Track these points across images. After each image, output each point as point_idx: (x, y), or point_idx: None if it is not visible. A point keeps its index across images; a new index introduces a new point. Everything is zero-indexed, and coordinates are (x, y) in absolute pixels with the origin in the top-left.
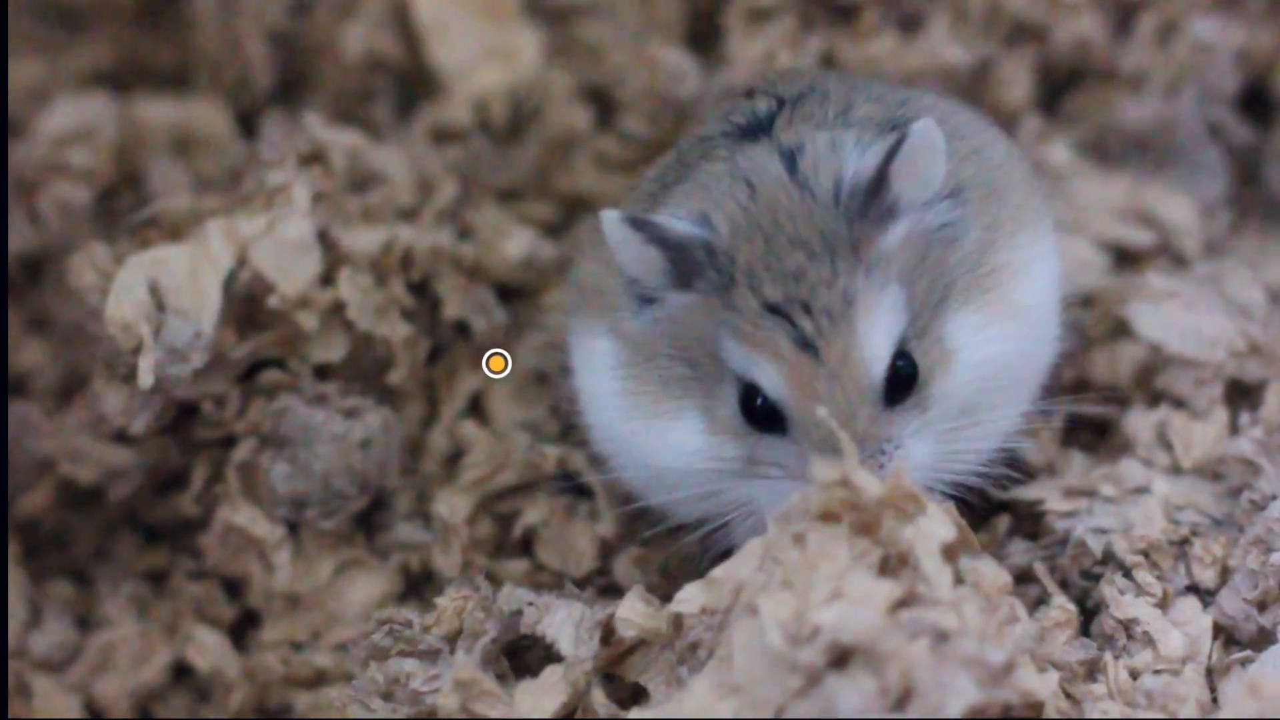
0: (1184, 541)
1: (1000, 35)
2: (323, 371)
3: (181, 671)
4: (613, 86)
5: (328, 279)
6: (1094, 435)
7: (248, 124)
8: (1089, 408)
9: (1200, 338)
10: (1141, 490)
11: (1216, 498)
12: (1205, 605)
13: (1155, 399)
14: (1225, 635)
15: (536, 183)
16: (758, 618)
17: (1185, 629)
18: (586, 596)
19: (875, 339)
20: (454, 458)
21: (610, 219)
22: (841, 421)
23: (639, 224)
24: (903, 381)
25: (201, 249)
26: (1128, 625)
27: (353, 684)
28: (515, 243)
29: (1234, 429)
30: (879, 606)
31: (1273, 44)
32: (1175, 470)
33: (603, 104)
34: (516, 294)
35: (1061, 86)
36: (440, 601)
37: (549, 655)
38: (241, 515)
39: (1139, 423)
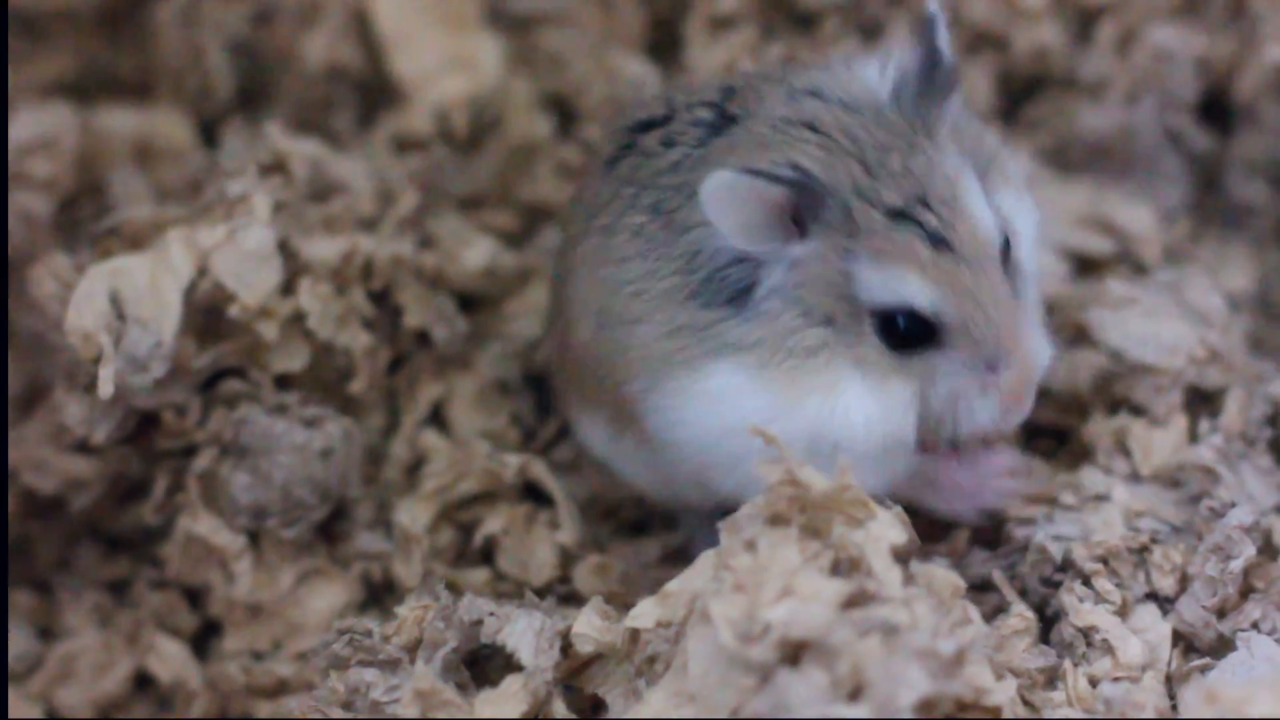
0: (1143, 549)
1: (960, 43)
2: (283, 381)
3: (143, 681)
4: (574, 95)
5: (288, 288)
6: (1054, 443)
7: (209, 133)
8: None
9: (1160, 345)
10: (1101, 498)
11: (1176, 505)
12: (1164, 613)
13: (1115, 406)
14: (1185, 643)
15: (498, 191)
16: (710, 623)
17: (1144, 636)
18: (547, 606)
19: (986, 216)
20: (415, 467)
21: (725, 176)
22: (992, 312)
23: (758, 172)
24: (1004, 256)
25: (162, 259)
26: (1087, 633)
27: (313, 693)
28: (476, 252)
29: (1194, 436)
30: (829, 602)
31: (1232, 51)
32: (1135, 478)
33: (564, 113)
34: (477, 303)
35: (1021, 95)
36: (400, 611)
37: (509, 665)
38: (202, 525)
39: (1098, 430)
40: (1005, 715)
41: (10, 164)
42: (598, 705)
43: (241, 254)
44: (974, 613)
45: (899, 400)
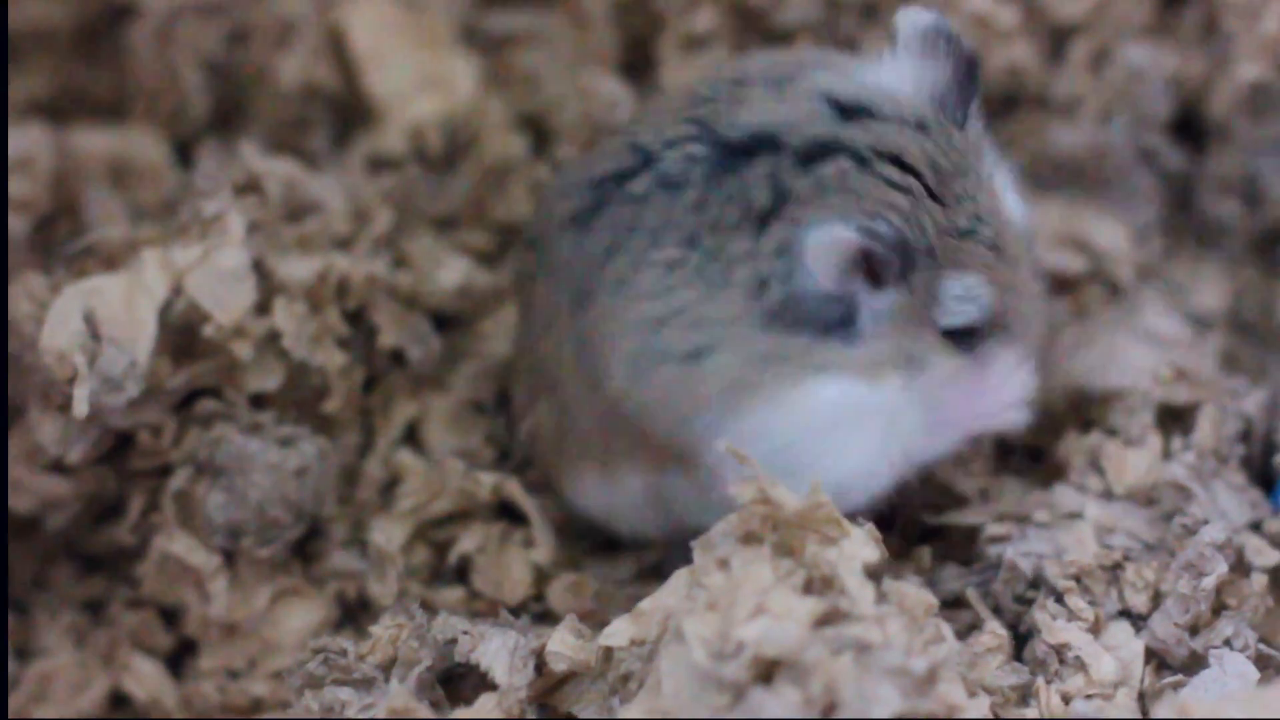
0: (1116, 566)
1: None
2: (258, 400)
3: (119, 700)
4: (548, 115)
5: (263, 308)
6: (1027, 461)
7: (185, 153)
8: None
9: (1123, 368)
10: (1074, 515)
11: (1149, 522)
12: (1137, 630)
13: (1088, 425)
14: (1157, 660)
15: (472, 211)
16: (684, 641)
17: (1117, 653)
18: (521, 624)
19: (1018, 217)
20: (390, 486)
21: (835, 233)
22: (1032, 305)
23: (868, 231)
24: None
25: (137, 279)
26: (1060, 650)
27: (288, 712)
28: (450, 271)
29: (1167, 453)
30: (802, 621)
31: (1204, 70)
32: (1108, 495)
33: (538, 132)
34: (452, 322)
35: (994, 113)
36: (375, 630)
37: (484, 683)
38: (178, 544)
39: (1072, 448)
40: None
41: None
42: None
43: (216, 274)
44: (946, 630)
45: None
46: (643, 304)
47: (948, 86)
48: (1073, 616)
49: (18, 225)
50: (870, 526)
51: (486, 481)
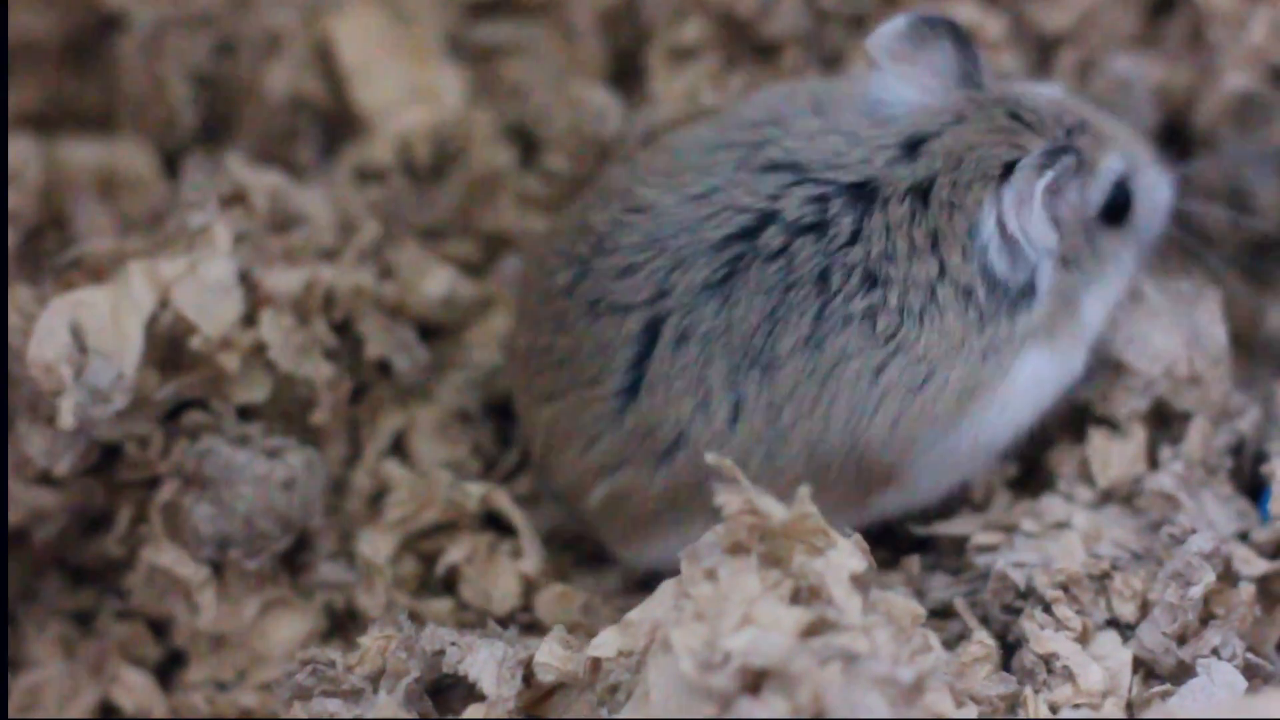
0: (1104, 576)
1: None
2: (246, 412)
3: (108, 711)
4: (536, 125)
5: (250, 320)
6: (1019, 471)
7: (172, 165)
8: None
9: (1143, 349)
10: (1062, 525)
11: (1136, 532)
12: (1125, 639)
13: (1078, 428)
14: (1145, 669)
15: (459, 221)
16: (671, 651)
17: (1105, 663)
18: (509, 635)
19: None
20: (377, 497)
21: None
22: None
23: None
24: None
25: (123, 291)
26: (1048, 659)
27: None
28: (436, 281)
29: (1154, 463)
30: (789, 631)
31: (1191, 80)
32: (1096, 504)
33: (526, 143)
34: (438, 332)
35: None
36: (363, 641)
37: (472, 694)
38: (166, 556)
39: (1061, 458)
40: None
41: None
42: None
43: (203, 285)
44: (934, 640)
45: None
46: (852, 361)
47: (956, 63)
48: (1060, 626)
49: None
50: (857, 537)
51: (474, 492)
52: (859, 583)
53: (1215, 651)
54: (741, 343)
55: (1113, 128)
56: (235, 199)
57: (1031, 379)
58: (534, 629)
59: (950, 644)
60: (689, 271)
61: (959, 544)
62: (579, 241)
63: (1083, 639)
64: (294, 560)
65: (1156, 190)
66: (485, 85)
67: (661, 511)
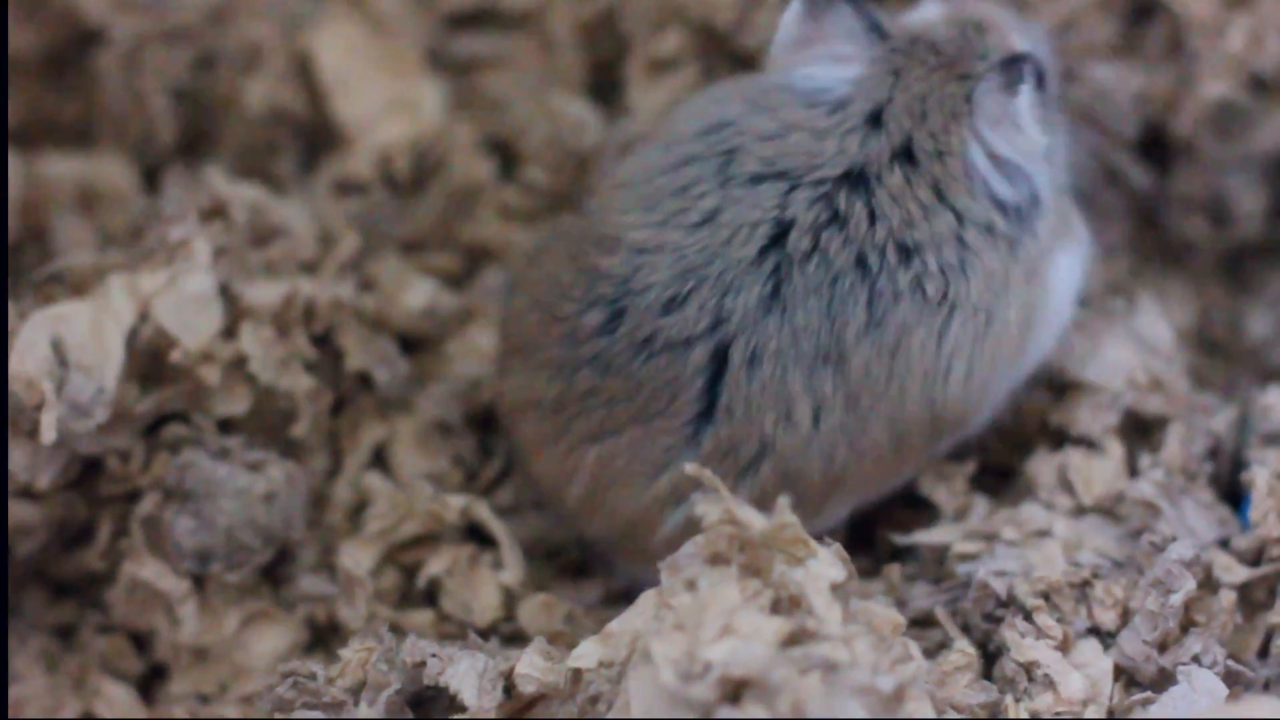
0: (1085, 584)
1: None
2: (226, 425)
3: None
4: (515, 138)
5: (230, 333)
6: (997, 479)
7: (152, 179)
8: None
9: (1101, 364)
10: (1043, 533)
11: (1117, 540)
12: (1106, 647)
13: (1058, 442)
14: (1126, 677)
15: (440, 234)
16: (652, 662)
17: (1086, 671)
18: (490, 647)
19: None
20: (358, 509)
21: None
22: None
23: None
24: None
25: (104, 305)
26: (1029, 668)
27: None
28: (416, 293)
29: (1134, 470)
30: (769, 641)
31: (1170, 88)
32: (1077, 513)
33: (505, 155)
34: (418, 344)
35: None
36: (344, 653)
37: (453, 706)
38: (147, 569)
39: (1041, 466)
40: None
41: None
42: None
43: (183, 299)
44: (914, 649)
45: None
46: (915, 331)
47: (859, 20)
48: (1041, 634)
49: None
50: (837, 546)
51: (454, 504)
52: (839, 592)
53: (1196, 659)
54: (810, 346)
55: (992, 13)
56: (215, 212)
57: (1067, 273)
58: (516, 639)
59: (931, 652)
60: (741, 294)
61: (940, 553)
62: (595, 286)
63: (1063, 647)
64: (275, 573)
65: (1038, 48)
66: (465, 97)
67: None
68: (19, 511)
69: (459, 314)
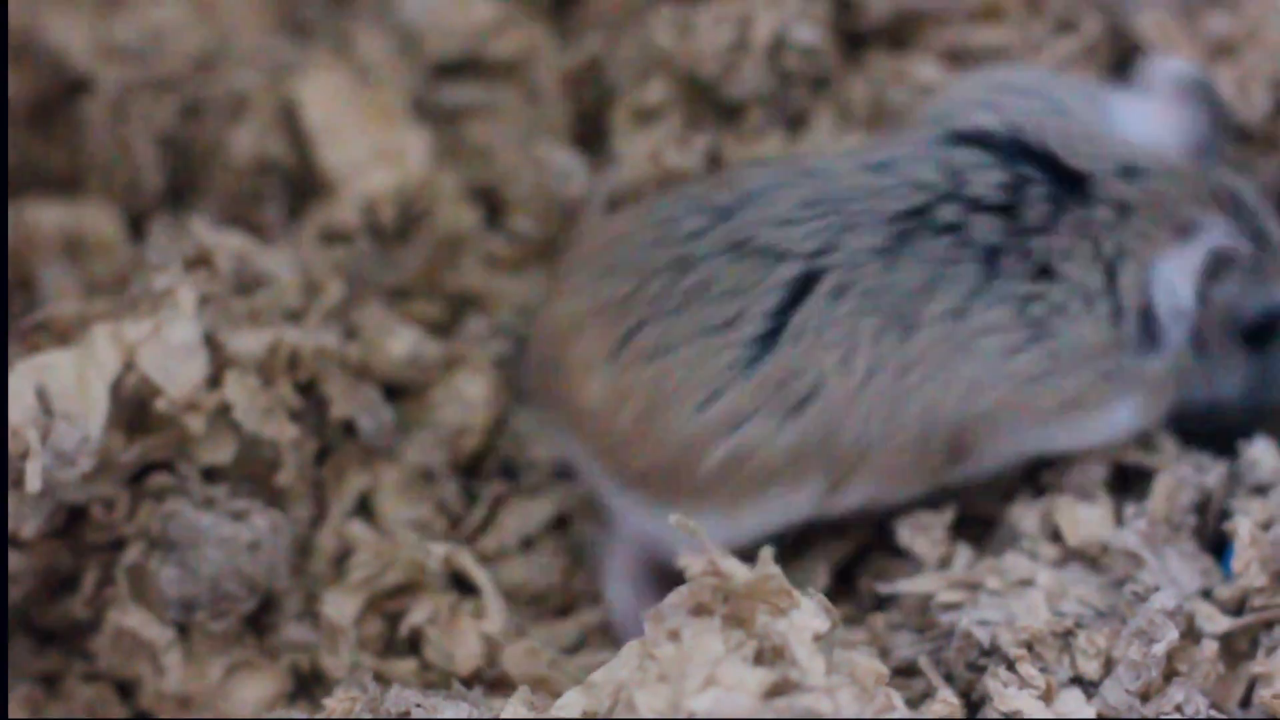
0: (1068, 633)
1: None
2: (211, 473)
3: None
4: (501, 186)
5: (215, 381)
6: (980, 528)
7: (138, 228)
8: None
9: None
10: (1026, 582)
11: (1100, 589)
12: (1089, 696)
13: (1041, 490)
14: None
15: (425, 282)
16: (635, 712)
17: None
18: (474, 696)
19: None
20: (342, 558)
21: (1203, 252)
22: None
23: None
24: None
25: (88, 353)
26: (1012, 717)
27: None
28: (400, 341)
29: (1119, 519)
30: (753, 692)
31: None
32: (1060, 562)
33: (491, 204)
34: (403, 392)
35: None
36: (328, 703)
37: None
38: (132, 618)
39: (1024, 514)
40: None
41: None
42: None
43: (167, 348)
44: (897, 699)
45: None
46: (992, 336)
47: (1203, 135)
48: (1024, 684)
49: None
50: (820, 596)
51: (437, 552)
52: (822, 643)
53: (1179, 708)
54: (891, 305)
55: (1245, 190)
56: (200, 261)
57: (1119, 418)
58: (501, 685)
59: (915, 702)
60: (859, 234)
61: (923, 602)
62: (717, 193)
63: (1046, 697)
64: (260, 622)
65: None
66: (450, 146)
67: (781, 470)
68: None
69: (443, 362)
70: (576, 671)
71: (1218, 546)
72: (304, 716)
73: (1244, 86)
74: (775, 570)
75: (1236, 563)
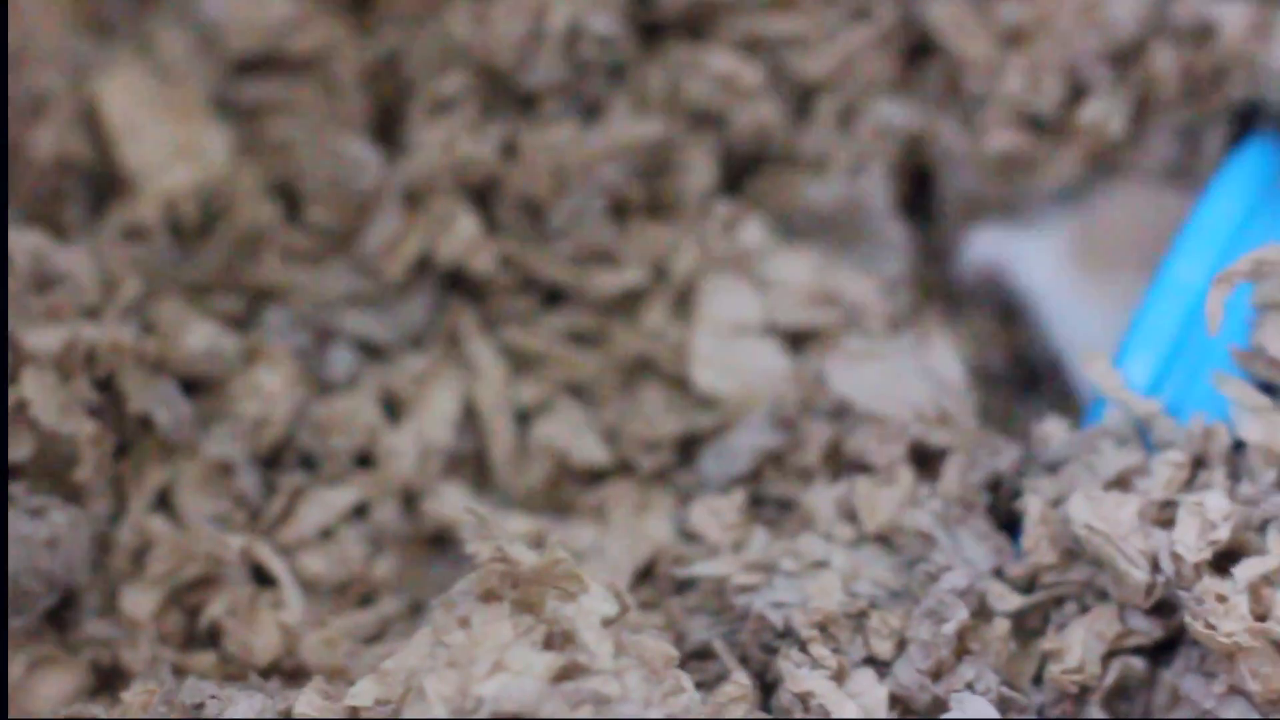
0: (862, 614)
1: (680, 123)
2: (9, 470)
3: None
4: (298, 180)
5: (11, 378)
6: (778, 511)
7: None
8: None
9: (891, 398)
10: (821, 564)
11: (894, 570)
12: (881, 676)
13: (839, 473)
14: (902, 705)
15: (225, 277)
16: (426, 699)
17: (861, 700)
18: (271, 686)
19: None
20: (142, 552)
21: None
22: None
23: None
24: None
25: None
26: (804, 698)
27: None
28: (197, 335)
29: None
30: (540, 676)
31: (955, 139)
32: (856, 543)
33: (290, 198)
34: (201, 386)
35: (743, 170)
36: (126, 696)
37: None
38: None
39: (821, 497)
40: None
41: None
42: None
43: None
44: (686, 681)
45: None
46: None
47: None
48: (816, 664)
49: None
50: (611, 581)
51: (234, 544)
52: (611, 627)
53: (969, 685)
54: None
55: None
56: None
57: None
58: (298, 675)
59: (710, 685)
60: None
61: (719, 585)
62: None
63: (838, 677)
64: (60, 618)
65: None
66: (251, 142)
67: None
68: None
69: (242, 354)
70: (374, 661)
71: (1012, 525)
72: (103, 710)
73: (1035, 75)
74: (563, 555)
75: (1026, 540)
